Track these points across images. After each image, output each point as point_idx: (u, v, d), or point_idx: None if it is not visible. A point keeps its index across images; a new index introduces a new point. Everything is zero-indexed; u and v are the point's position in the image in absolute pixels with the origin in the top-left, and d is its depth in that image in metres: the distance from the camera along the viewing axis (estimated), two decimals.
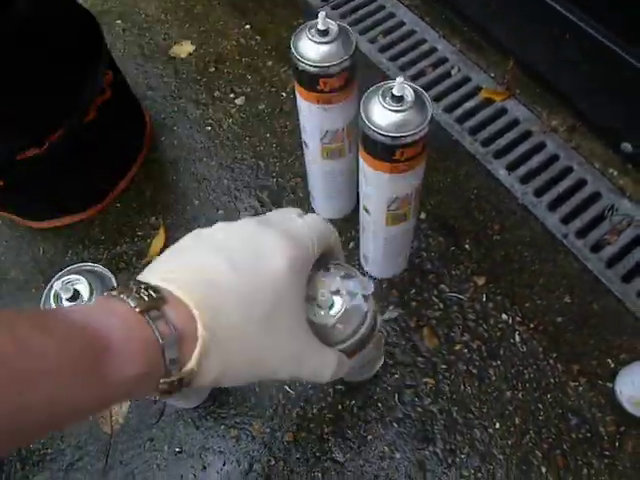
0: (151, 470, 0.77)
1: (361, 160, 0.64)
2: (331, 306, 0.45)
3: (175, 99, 1.06)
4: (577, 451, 0.74)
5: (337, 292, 0.45)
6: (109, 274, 0.53)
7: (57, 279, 0.50)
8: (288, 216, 0.44)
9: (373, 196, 0.67)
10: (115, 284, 0.52)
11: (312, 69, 0.64)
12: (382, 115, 0.58)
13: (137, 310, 0.32)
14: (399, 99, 0.57)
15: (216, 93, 1.06)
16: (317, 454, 0.76)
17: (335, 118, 0.70)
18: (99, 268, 0.53)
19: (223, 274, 0.36)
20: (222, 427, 0.78)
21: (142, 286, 0.33)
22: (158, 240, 0.90)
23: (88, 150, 0.87)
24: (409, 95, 0.57)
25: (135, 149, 0.98)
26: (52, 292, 0.51)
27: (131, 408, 0.80)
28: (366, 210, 0.71)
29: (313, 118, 0.70)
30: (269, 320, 0.36)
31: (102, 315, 0.32)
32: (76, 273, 0.52)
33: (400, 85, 0.56)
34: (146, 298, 0.32)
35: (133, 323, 0.32)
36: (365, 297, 0.46)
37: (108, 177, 0.95)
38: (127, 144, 0.97)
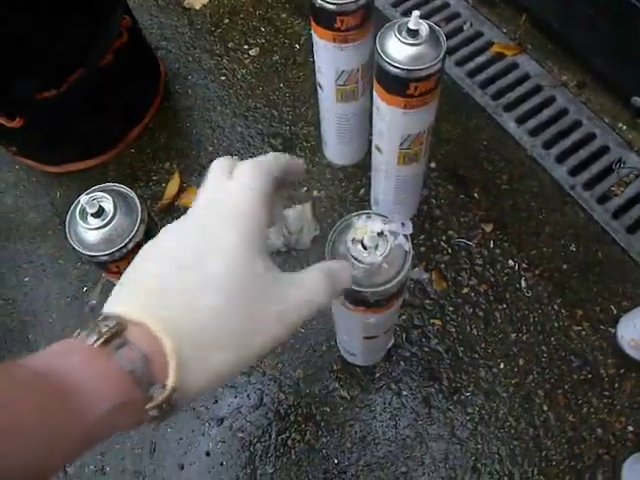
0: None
1: (375, 96, 0.65)
2: (376, 247, 0.47)
3: (189, 49, 1.07)
4: (578, 391, 0.77)
5: (381, 234, 0.47)
6: (133, 195, 0.55)
7: (84, 195, 0.52)
8: (219, 185, 0.38)
9: (386, 133, 0.68)
10: (139, 206, 0.54)
11: (330, 6, 0.65)
12: (397, 48, 0.59)
13: (97, 344, 0.30)
14: (414, 33, 0.58)
15: (230, 44, 1.07)
16: (326, 390, 0.78)
17: (351, 58, 0.71)
18: (124, 189, 0.55)
19: (174, 281, 0.34)
20: None
21: (100, 318, 0.32)
22: (173, 184, 0.92)
23: (104, 94, 0.89)
24: (424, 30, 0.58)
25: (150, 96, 0.99)
26: (78, 207, 0.53)
27: None
28: (378, 149, 0.72)
29: (329, 57, 0.71)
30: (235, 302, 0.33)
31: (63, 358, 0.30)
32: (102, 191, 0.54)
33: (416, 19, 0.57)
34: (104, 329, 0.31)
35: (95, 357, 0.30)
36: (406, 237, 0.48)
37: (123, 123, 0.96)
38: (142, 91, 0.98)
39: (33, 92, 0.80)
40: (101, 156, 0.95)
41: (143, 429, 0.77)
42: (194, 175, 0.94)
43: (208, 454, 0.76)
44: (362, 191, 0.90)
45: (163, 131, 0.99)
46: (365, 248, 0.46)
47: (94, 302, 0.86)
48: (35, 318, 0.87)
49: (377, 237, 0.46)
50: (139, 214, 0.54)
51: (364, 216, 0.48)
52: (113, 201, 0.53)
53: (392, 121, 0.66)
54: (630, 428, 0.74)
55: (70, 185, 0.96)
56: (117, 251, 0.52)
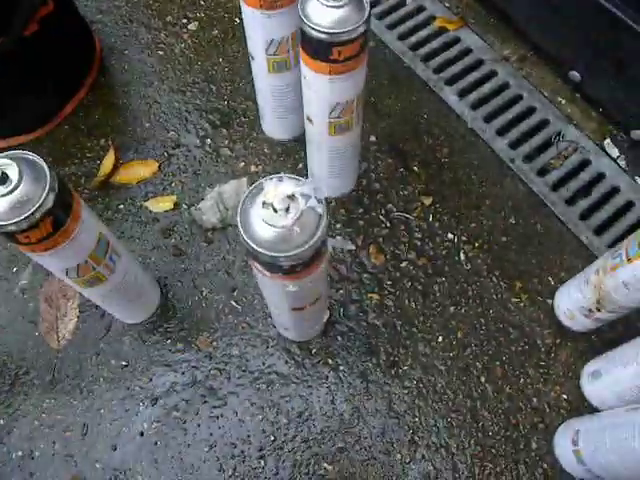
0: (97, 383, 0.77)
1: (302, 63, 0.64)
2: (287, 210, 0.45)
3: (126, 23, 1.04)
4: (515, 362, 0.77)
5: (292, 197, 0.46)
6: (42, 162, 0.52)
7: None
8: None
9: (314, 102, 0.67)
10: (48, 173, 0.51)
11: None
12: (320, 12, 0.57)
13: None
14: None
15: (168, 18, 1.04)
16: (261, 367, 0.77)
17: (279, 26, 0.69)
18: (32, 156, 0.52)
19: None
20: (168, 341, 0.79)
21: None
22: (108, 161, 0.89)
23: (32, 66, 0.85)
24: None
25: (83, 71, 0.95)
26: None
27: (79, 323, 0.80)
28: (309, 120, 0.71)
29: (257, 26, 0.70)
30: None
31: None
32: (7, 157, 0.51)
33: None
34: None
35: None
36: (319, 200, 0.46)
37: (56, 98, 0.93)
38: (75, 65, 0.95)
39: None
40: (33, 133, 0.92)
41: (75, 411, 0.75)
42: (130, 152, 0.91)
43: (142, 434, 0.74)
44: (300, 165, 0.88)
45: (98, 107, 0.95)
46: (275, 211, 0.45)
47: (25, 282, 0.83)
48: None
49: (288, 199, 0.45)
50: (47, 181, 0.51)
51: (275, 179, 0.47)
52: (18, 167, 0.50)
53: (319, 89, 0.64)
54: (564, 396, 0.75)
55: None
56: (24, 220, 0.50)
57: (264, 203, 0.45)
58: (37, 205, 0.50)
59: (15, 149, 0.83)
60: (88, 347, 0.79)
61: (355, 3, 0.58)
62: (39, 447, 0.74)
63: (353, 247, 0.82)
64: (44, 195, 0.51)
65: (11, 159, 0.51)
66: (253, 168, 0.88)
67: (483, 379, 0.76)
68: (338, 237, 0.82)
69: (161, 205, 0.86)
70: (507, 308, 0.80)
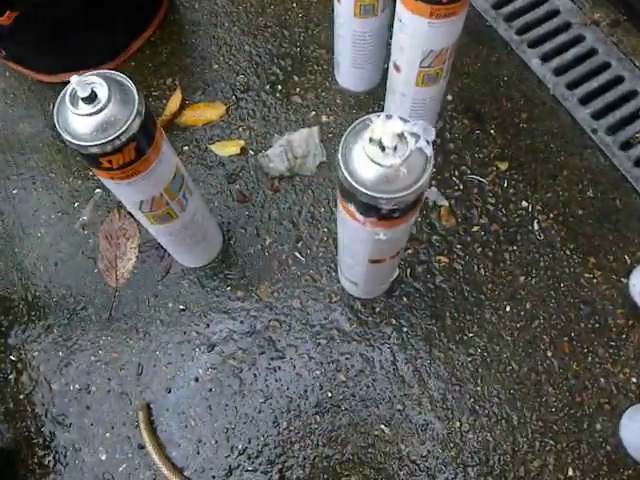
0: (154, 324, 0.76)
1: (399, 5, 0.60)
2: (395, 149, 0.42)
3: None
4: (584, 339, 0.74)
5: (401, 135, 0.42)
6: (131, 84, 0.50)
7: (76, 76, 0.47)
8: None
9: (407, 48, 0.63)
10: (137, 97, 0.49)
11: None
12: None
13: None
14: None
15: None
16: (322, 322, 0.75)
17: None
18: (122, 77, 0.50)
19: None
20: (228, 288, 0.77)
21: None
22: (174, 101, 0.87)
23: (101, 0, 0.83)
24: None
25: (153, 8, 0.93)
26: (69, 90, 0.48)
27: (137, 263, 0.79)
28: (396, 67, 0.67)
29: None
30: None
31: None
32: (97, 76, 0.49)
33: None
34: None
35: None
36: (427, 142, 0.43)
37: (125, 33, 0.90)
38: (145, 1, 0.92)
39: None
40: (99, 67, 0.89)
41: (130, 350, 0.74)
42: (197, 93, 0.88)
43: (197, 380, 0.73)
44: None
45: (166, 45, 0.93)
46: (383, 149, 0.42)
47: (85, 218, 0.82)
48: (23, 232, 0.82)
49: (397, 138, 0.42)
50: (135, 105, 0.49)
51: (383, 115, 0.43)
52: (108, 87, 0.48)
53: (415, 33, 0.61)
54: (633, 380, 0.72)
55: None
56: (109, 142, 0.48)
57: (371, 139, 0.42)
58: (124, 128, 0.48)
59: None
60: (146, 288, 0.78)
61: None
62: (95, 382, 0.74)
63: (446, 204, 0.79)
64: (131, 119, 0.48)
65: (102, 78, 0.49)
66: (324, 118, 0.85)
67: (550, 353, 0.73)
68: (434, 188, 0.79)
69: (227, 149, 0.84)
70: (579, 283, 0.77)
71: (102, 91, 0.48)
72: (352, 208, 0.47)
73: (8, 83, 0.93)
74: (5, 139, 0.89)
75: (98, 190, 0.83)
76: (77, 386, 0.73)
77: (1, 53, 0.88)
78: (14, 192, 0.85)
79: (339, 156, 0.44)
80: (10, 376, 0.75)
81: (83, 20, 0.83)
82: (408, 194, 0.43)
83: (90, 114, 0.47)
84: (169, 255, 0.77)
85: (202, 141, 0.85)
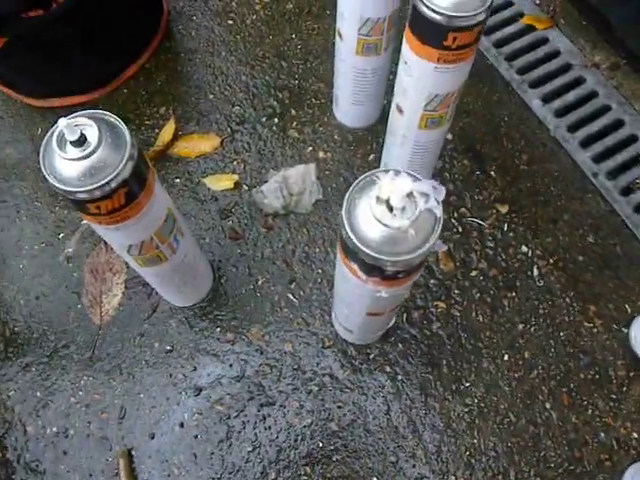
0: (139, 365, 0.73)
1: (405, 47, 0.58)
2: (403, 210, 0.40)
3: None
4: (584, 391, 0.71)
5: (410, 195, 0.40)
6: (123, 126, 0.47)
7: (64, 118, 0.44)
8: None
9: (411, 91, 0.61)
10: (129, 140, 0.46)
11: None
12: None
13: None
14: None
15: None
16: (315, 368, 0.72)
17: (378, 4, 0.63)
18: (113, 118, 0.47)
19: None
20: (218, 329, 0.74)
21: None
22: (167, 131, 0.84)
23: (98, 23, 0.80)
24: None
25: (148, 33, 0.90)
26: (56, 132, 0.45)
27: (123, 300, 0.76)
28: (399, 109, 0.65)
29: (353, 2, 0.64)
30: None
31: None
32: (87, 117, 0.46)
33: None
34: None
35: None
36: (437, 202, 0.41)
37: (117, 59, 0.88)
38: (141, 26, 0.90)
39: (17, 8, 0.72)
40: (91, 93, 0.87)
41: (113, 392, 0.71)
42: (191, 123, 0.86)
43: (182, 425, 0.70)
44: (371, 157, 0.83)
45: (161, 73, 0.90)
46: (391, 209, 0.40)
47: (70, 251, 0.79)
48: (4, 263, 0.79)
49: (405, 198, 0.40)
50: (127, 149, 0.46)
51: (392, 172, 0.41)
52: (98, 129, 0.45)
53: (421, 77, 0.59)
54: (635, 435, 0.70)
55: (54, 122, 0.87)
56: (98, 188, 0.45)
57: (378, 198, 0.40)
58: (115, 174, 0.45)
59: (70, 109, 0.77)
60: (132, 326, 0.75)
61: None
62: (74, 425, 0.70)
63: (445, 248, 0.77)
64: (123, 163, 0.46)
65: (92, 119, 0.46)
66: (322, 154, 0.83)
67: (548, 405, 0.71)
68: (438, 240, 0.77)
69: (221, 183, 0.81)
70: (579, 332, 0.75)
71: (92, 133, 0.45)
72: (355, 267, 0.45)
73: None
74: None
75: (85, 221, 0.80)
76: (54, 429, 0.70)
77: None
78: None
79: (343, 214, 0.42)
80: None
81: (76, 46, 0.81)
82: (416, 257, 0.41)
83: (79, 158, 0.45)
84: (157, 293, 0.74)
85: (195, 174, 0.82)
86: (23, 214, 0.82)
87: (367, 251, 0.41)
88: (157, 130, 0.85)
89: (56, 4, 0.74)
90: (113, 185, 0.46)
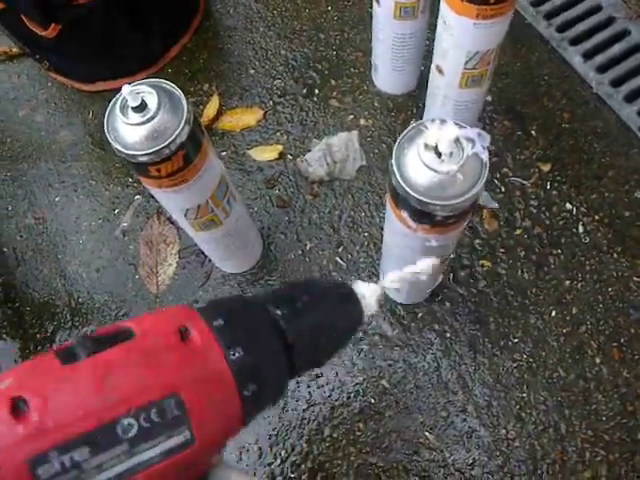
0: None
1: (444, 6, 0.59)
2: (450, 155, 0.42)
3: None
4: (635, 345, 0.72)
5: (457, 141, 0.42)
6: (180, 93, 0.50)
7: (127, 86, 0.47)
8: None
9: (451, 50, 0.62)
10: (185, 106, 0.49)
11: None
12: None
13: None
14: None
15: None
16: (365, 327, 0.74)
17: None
18: (171, 86, 0.50)
19: None
20: None
21: None
22: (212, 106, 0.87)
23: (143, 6, 0.83)
24: None
25: (189, 14, 0.93)
26: (120, 99, 0.48)
27: (178, 269, 0.79)
28: (439, 70, 0.66)
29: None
30: None
31: None
32: (147, 85, 0.49)
33: None
34: None
35: None
36: (483, 147, 0.43)
37: (161, 41, 0.91)
38: (182, 7, 0.92)
39: None
40: (136, 75, 0.90)
41: None
42: (234, 98, 0.88)
43: None
44: (413, 122, 0.84)
45: (202, 51, 0.93)
46: (439, 155, 0.41)
47: (126, 225, 0.83)
48: (65, 239, 0.83)
49: (452, 143, 0.41)
50: (184, 114, 0.49)
51: (437, 121, 0.43)
52: (157, 96, 0.48)
53: (461, 35, 0.60)
54: None
55: (103, 104, 0.90)
56: (158, 151, 0.48)
57: (426, 145, 0.42)
58: (173, 137, 0.48)
59: (118, 92, 0.81)
60: (187, 294, 0.78)
61: None
62: None
63: (496, 205, 0.78)
64: (180, 127, 0.48)
65: (151, 87, 0.49)
66: (363, 122, 0.84)
67: (598, 360, 0.71)
68: (485, 192, 0.78)
69: (265, 154, 0.83)
70: (628, 287, 0.74)
71: (152, 100, 0.48)
72: (405, 215, 0.46)
73: (50, 93, 0.94)
74: (47, 148, 0.90)
75: (138, 197, 0.84)
76: None
77: (45, 64, 0.89)
78: (56, 200, 0.86)
79: (392, 162, 0.43)
80: None
81: (122, 28, 0.84)
82: (464, 200, 0.42)
83: (140, 123, 0.48)
84: (210, 261, 0.77)
85: (240, 146, 0.85)
86: (80, 192, 0.86)
87: (417, 196, 0.42)
88: (202, 107, 0.88)
89: None
90: (173, 148, 0.48)
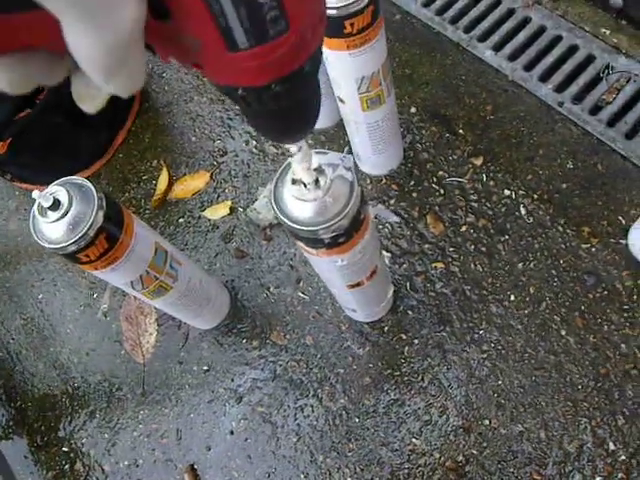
0: (184, 390, 0.80)
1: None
2: (316, 183, 0.46)
3: None
4: (596, 310, 0.73)
5: (319, 169, 0.46)
6: (88, 183, 0.56)
7: (38, 191, 0.53)
8: None
9: (341, 81, 0.67)
10: (95, 194, 0.54)
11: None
12: None
13: None
14: None
15: None
16: (337, 351, 0.77)
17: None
18: (78, 179, 0.56)
19: None
20: (244, 340, 0.81)
21: None
22: (162, 180, 0.93)
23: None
24: None
25: (128, 101, 1.00)
26: (36, 204, 0.54)
27: (159, 337, 0.84)
28: (341, 100, 0.71)
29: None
30: None
31: None
32: (56, 184, 0.55)
33: None
34: None
35: None
36: (346, 168, 0.47)
37: (106, 131, 0.98)
38: (120, 99, 0.99)
39: (9, 115, 0.82)
40: (91, 167, 0.97)
41: (167, 418, 0.79)
42: (181, 167, 0.95)
43: (232, 432, 0.76)
44: (346, 149, 0.89)
45: (146, 131, 1.00)
46: (305, 186, 0.46)
47: (105, 306, 0.88)
48: (54, 332, 0.89)
49: (314, 172, 0.45)
50: (95, 201, 0.54)
51: (298, 155, 0.47)
52: (67, 192, 0.54)
53: (342, 67, 0.65)
54: None
55: None
56: (78, 240, 0.53)
57: (293, 180, 0.46)
58: (90, 223, 0.53)
59: None
60: (171, 357, 0.83)
61: None
62: (141, 455, 0.78)
63: (397, 219, 0.82)
64: (94, 214, 0.54)
65: (61, 185, 0.54)
66: None
67: (564, 332, 0.73)
68: (380, 205, 0.82)
69: (218, 212, 0.89)
70: (578, 256, 0.77)
71: (63, 196, 0.54)
72: (301, 244, 0.50)
73: (18, 200, 1.02)
74: (24, 251, 0.97)
75: None
76: (126, 462, 0.78)
77: (7, 177, 0.97)
78: (40, 297, 0.92)
79: (272, 201, 0.48)
80: (65, 466, 0.80)
81: (67, 130, 0.91)
82: (340, 220, 0.46)
83: (58, 219, 0.53)
84: (185, 322, 0.82)
85: (194, 210, 0.91)
86: (60, 286, 0.92)
87: (298, 227, 0.46)
88: (154, 182, 0.94)
89: (39, 101, 0.85)
90: (91, 233, 0.54)
